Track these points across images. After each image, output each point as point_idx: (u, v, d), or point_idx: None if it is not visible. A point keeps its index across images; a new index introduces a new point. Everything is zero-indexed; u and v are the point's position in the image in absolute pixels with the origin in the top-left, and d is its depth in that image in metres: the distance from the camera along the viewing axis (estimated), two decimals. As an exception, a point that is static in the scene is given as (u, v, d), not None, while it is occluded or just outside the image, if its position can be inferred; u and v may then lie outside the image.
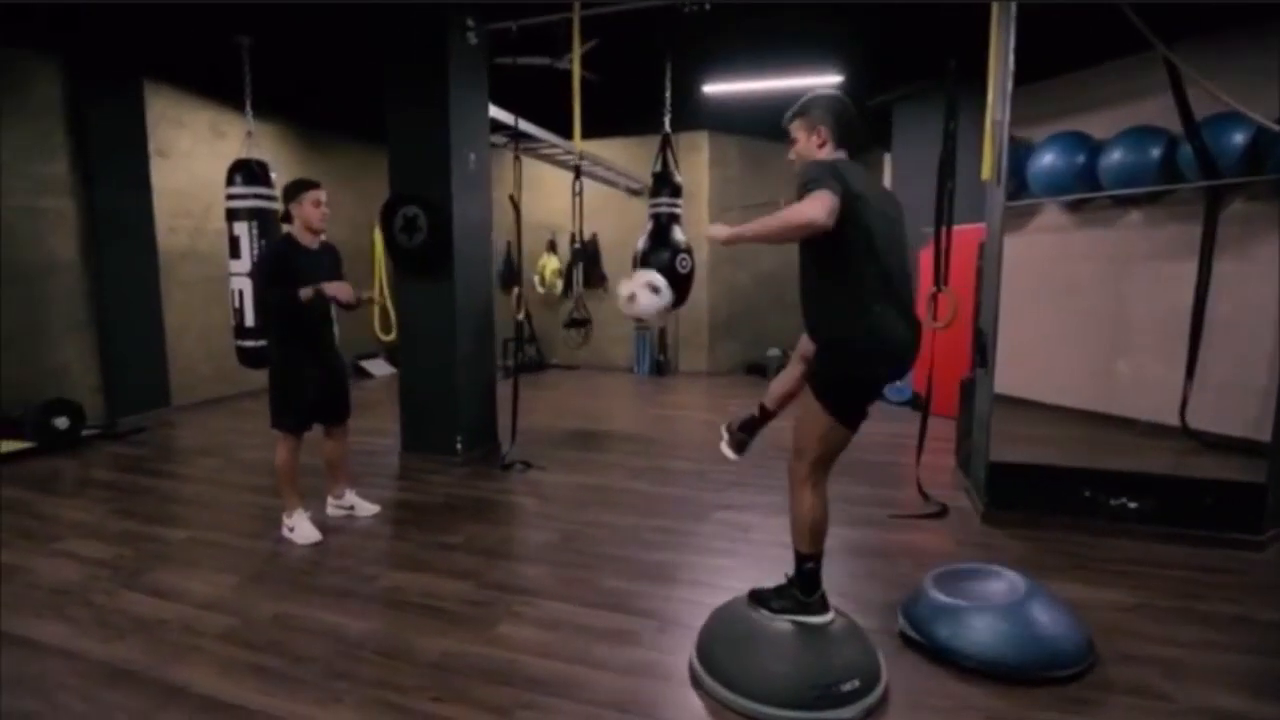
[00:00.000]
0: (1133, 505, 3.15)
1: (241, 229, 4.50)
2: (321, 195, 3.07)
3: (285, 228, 3.13)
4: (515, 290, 4.19)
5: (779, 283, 8.53)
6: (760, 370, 7.88)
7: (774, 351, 8.05)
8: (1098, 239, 4.99)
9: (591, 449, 4.83)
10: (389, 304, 4.26)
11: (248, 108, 4.65)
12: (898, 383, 6.29)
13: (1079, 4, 3.51)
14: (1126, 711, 1.91)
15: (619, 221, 8.09)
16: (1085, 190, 4.88)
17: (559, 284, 8.20)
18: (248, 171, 4.55)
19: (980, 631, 2.12)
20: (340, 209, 7.50)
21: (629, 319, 5.90)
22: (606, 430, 5.42)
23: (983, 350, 3.52)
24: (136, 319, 5.25)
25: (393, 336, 4.33)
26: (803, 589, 2.08)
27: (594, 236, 8.10)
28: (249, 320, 4.43)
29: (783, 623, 2.05)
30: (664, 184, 4.84)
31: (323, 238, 3.15)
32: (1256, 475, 3.04)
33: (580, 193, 4.40)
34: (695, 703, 1.96)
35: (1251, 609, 2.49)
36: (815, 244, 1.88)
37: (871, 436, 5.23)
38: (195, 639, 2.29)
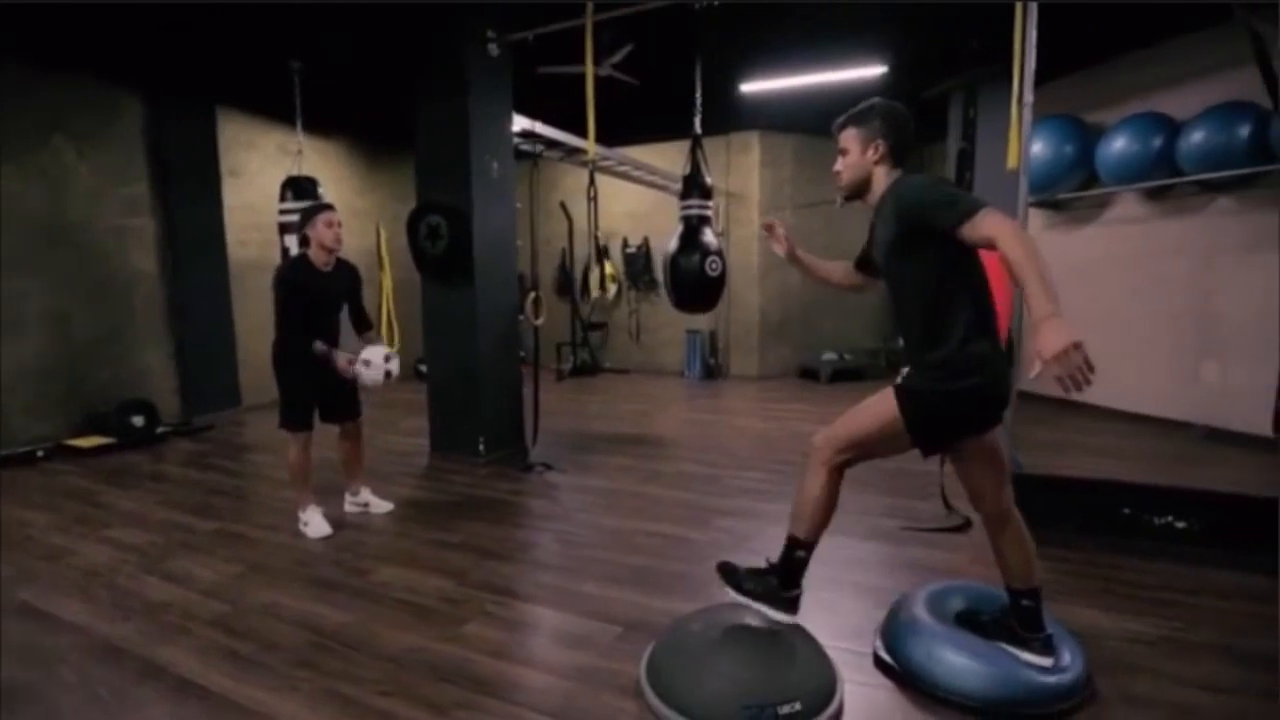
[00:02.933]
0: (1180, 525, 2.81)
1: (292, 241, 4.82)
2: (334, 216, 3.22)
3: (303, 250, 3.31)
4: (532, 295, 4.23)
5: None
6: (813, 374, 7.61)
7: (829, 355, 7.76)
8: (1182, 229, 4.52)
9: (617, 452, 4.81)
10: (393, 318, 4.43)
11: (298, 127, 4.98)
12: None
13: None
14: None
15: (667, 225, 8.03)
16: (1164, 176, 4.44)
17: (612, 289, 8.26)
18: (297, 187, 4.89)
19: (957, 659, 1.94)
20: (400, 221, 7.92)
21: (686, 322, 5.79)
22: (640, 434, 5.39)
23: (1010, 353, 3.24)
24: (210, 325, 5.72)
25: (395, 347, 4.49)
26: (783, 580, 1.98)
27: (645, 240, 8.10)
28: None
29: (732, 633, 1.97)
30: (694, 186, 4.77)
31: (338, 257, 3.29)
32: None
33: (595, 197, 4.42)
34: (629, 713, 1.91)
35: (1240, 638, 2.16)
36: (930, 264, 1.79)
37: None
38: (188, 622, 2.45)
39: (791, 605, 1.98)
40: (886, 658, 2.09)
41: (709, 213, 4.84)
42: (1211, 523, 2.76)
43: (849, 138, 1.96)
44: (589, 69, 4.04)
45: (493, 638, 2.33)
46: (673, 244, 4.84)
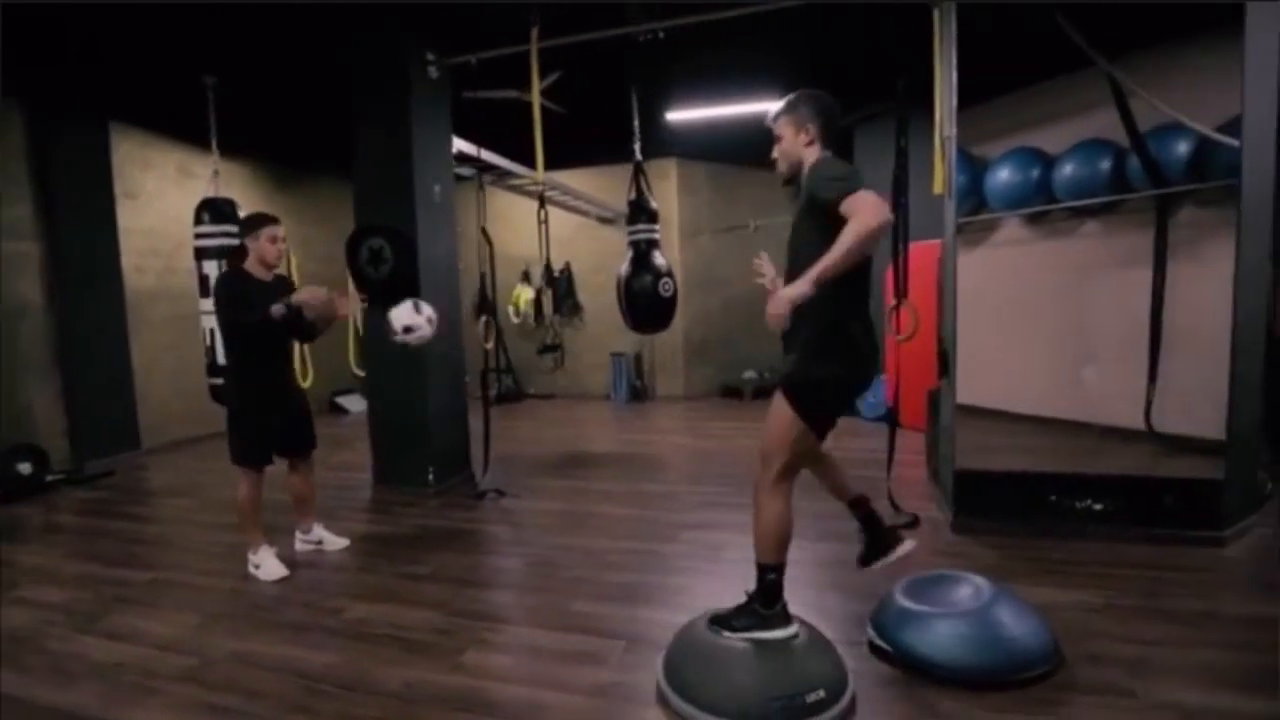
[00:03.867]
0: (1097, 507, 3.19)
1: (211, 267, 4.51)
2: (279, 231, 3.07)
3: (237, 263, 3.11)
4: (483, 319, 4.19)
5: (750, 307, 8.62)
6: (736, 393, 7.90)
7: (749, 374, 8.09)
8: (1058, 250, 5.11)
9: (565, 476, 4.80)
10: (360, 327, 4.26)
11: (213, 146, 4.68)
12: (870, 398, 6.35)
13: (1020, 21, 3.64)
14: (1091, 710, 1.91)
15: (592, 249, 8.17)
16: (1042, 203, 5.01)
17: (534, 313, 8.22)
18: (215, 210, 4.58)
19: (946, 637, 2.12)
20: (315, 246, 7.55)
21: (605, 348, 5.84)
22: (581, 457, 5.40)
23: (945, 361, 3.57)
24: (103, 360, 5.19)
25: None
26: (763, 602, 2.06)
27: (567, 265, 8.15)
28: (221, 358, 4.42)
29: (737, 641, 2.04)
30: (641, 211, 4.91)
31: (277, 272, 3.14)
32: (1217, 473, 3.09)
33: (545, 220, 4.44)
34: (661, 721, 1.94)
35: (1215, 604, 2.51)
36: (826, 235, 1.84)
37: (846, 452, 5.26)
38: (152, 681, 2.23)
39: (783, 619, 2.07)
40: (881, 643, 2.24)
41: (657, 236, 4.99)
42: (1121, 503, 3.15)
43: (781, 124, 2.09)
44: (535, 94, 4.10)
45: (497, 664, 2.28)
46: (624, 268, 4.94)
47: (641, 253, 4.98)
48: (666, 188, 7.86)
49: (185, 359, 5.75)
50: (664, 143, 7.31)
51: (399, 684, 2.16)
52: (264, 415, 3.05)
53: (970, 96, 5.43)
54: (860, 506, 2.36)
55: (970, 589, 2.28)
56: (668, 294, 4.99)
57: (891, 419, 3.93)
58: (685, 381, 8.10)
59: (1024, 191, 5.00)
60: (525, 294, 8.24)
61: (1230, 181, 3.45)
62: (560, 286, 8.16)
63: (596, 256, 8.11)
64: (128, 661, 2.35)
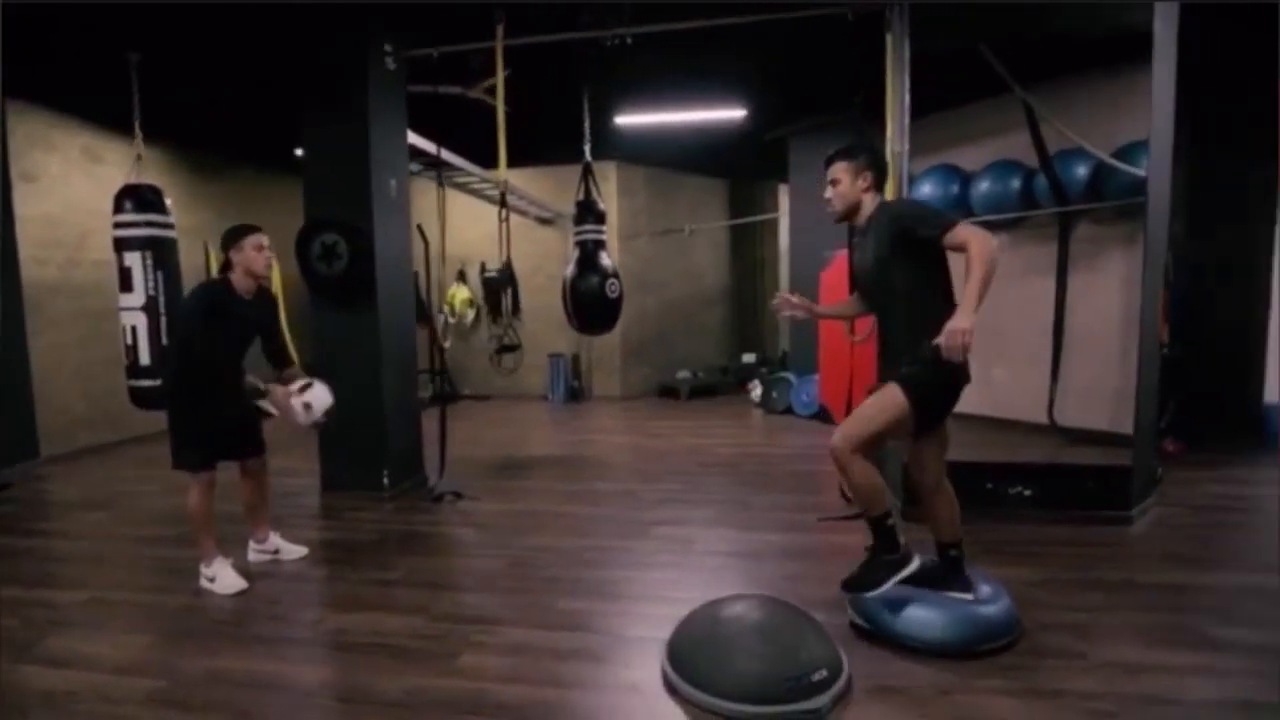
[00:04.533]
0: (1027, 493, 3.52)
1: (134, 260, 4.15)
2: (264, 239, 2.94)
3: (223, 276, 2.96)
4: (442, 317, 4.11)
5: (685, 308, 8.83)
6: (672, 392, 8.06)
7: (683, 374, 8.28)
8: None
9: (520, 477, 4.77)
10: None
11: (136, 129, 4.33)
12: (804, 396, 6.66)
13: (947, 49, 3.93)
14: (1054, 672, 2.13)
15: (530, 250, 8.08)
16: (960, 216, 5.41)
17: (470, 314, 8.07)
18: (140, 198, 4.23)
19: (925, 615, 2.30)
20: (192, 239, 7.07)
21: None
22: (531, 457, 5.37)
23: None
24: (-4, 361, 4.69)
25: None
26: (887, 548, 2.28)
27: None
28: (144, 358, 4.10)
29: (740, 621, 2.14)
30: (588, 212, 4.93)
31: (263, 283, 3.00)
32: (1123, 461, 3.48)
33: (507, 219, 4.42)
34: (674, 710, 2.00)
35: (1133, 573, 2.85)
36: (911, 270, 2.17)
37: (791, 448, 5.52)
38: (115, 708, 2.07)
39: (909, 557, 2.30)
40: (863, 623, 2.40)
41: (604, 237, 5.03)
42: (1046, 489, 3.50)
43: (840, 170, 2.31)
44: (499, 93, 4.07)
45: (495, 665, 2.27)
46: (570, 269, 4.95)
47: (588, 253, 4.99)
48: (606, 190, 7.86)
49: (95, 359, 5.28)
50: (605, 145, 7.35)
51: (399, 692, 2.11)
52: (206, 415, 2.87)
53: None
54: (945, 550, 2.49)
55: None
56: (614, 295, 5.04)
57: (848, 415, 4.14)
58: (622, 381, 8.18)
59: (944, 205, 5.39)
60: (461, 294, 8.07)
61: (1125, 201, 3.91)
62: (498, 287, 8.06)
63: (535, 258, 8.05)
64: (80, 690, 2.16)
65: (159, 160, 6.13)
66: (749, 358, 8.86)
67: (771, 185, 9.19)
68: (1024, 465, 3.60)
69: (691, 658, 2.10)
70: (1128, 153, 3.83)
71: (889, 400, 2.20)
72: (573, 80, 4.95)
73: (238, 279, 2.90)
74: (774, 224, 9.16)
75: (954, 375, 2.21)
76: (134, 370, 4.13)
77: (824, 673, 2.00)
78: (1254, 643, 2.27)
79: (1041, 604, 2.57)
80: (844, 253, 5.96)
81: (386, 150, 4.07)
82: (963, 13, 3.51)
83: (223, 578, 2.88)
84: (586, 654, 2.32)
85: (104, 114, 4.88)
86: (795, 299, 2.64)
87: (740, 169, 8.89)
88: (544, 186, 7.64)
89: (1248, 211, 5.21)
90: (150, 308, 4.16)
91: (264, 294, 3.01)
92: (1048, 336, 4.76)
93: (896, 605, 2.35)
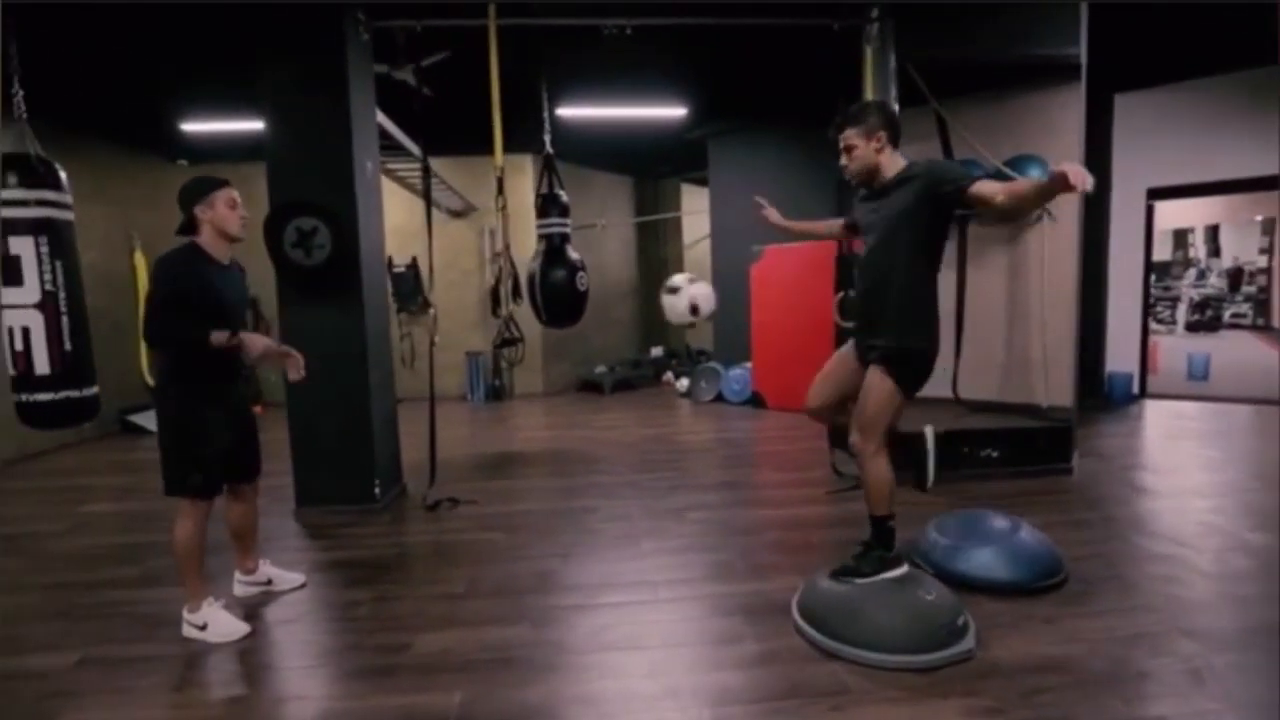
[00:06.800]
0: (994, 454, 4.05)
1: (23, 246, 3.32)
2: (236, 195, 2.50)
3: (188, 239, 2.48)
4: (432, 313, 3.85)
5: (598, 303, 8.81)
6: (595, 387, 8.06)
7: (601, 369, 8.31)
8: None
9: (501, 477, 4.58)
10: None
11: (15, 85, 3.52)
12: (735, 384, 7.00)
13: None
14: (1106, 596, 2.52)
15: (440, 244, 7.61)
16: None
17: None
18: (26, 169, 3.45)
19: (991, 558, 2.61)
20: (89, 229, 5.95)
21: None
22: (499, 456, 5.16)
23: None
24: None
25: None
26: (885, 546, 2.38)
27: (414, 260, 7.55)
28: (41, 365, 3.36)
29: (881, 585, 2.31)
30: (553, 204, 4.82)
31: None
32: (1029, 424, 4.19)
33: (504, 208, 4.25)
34: (840, 670, 2.09)
35: (1100, 511, 3.42)
36: (923, 234, 2.21)
37: (747, 432, 5.77)
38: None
39: (899, 560, 2.40)
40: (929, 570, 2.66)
41: (569, 230, 4.94)
42: (1008, 449, 4.05)
43: (851, 136, 2.29)
44: (493, 75, 3.87)
45: (638, 662, 2.22)
46: (536, 262, 4.80)
47: (555, 247, 4.89)
48: (524, 183, 7.70)
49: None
50: (523, 138, 7.14)
51: (580, 696, 2.01)
52: (214, 430, 2.46)
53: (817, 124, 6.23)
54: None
55: (996, 522, 2.81)
56: (584, 288, 4.99)
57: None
58: (544, 378, 8.02)
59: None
60: (366, 290, 7.42)
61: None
62: (406, 284, 7.54)
63: (446, 252, 7.62)
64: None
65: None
66: (658, 351, 9.08)
67: (675, 184, 9.49)
68: (990, 431, 4.13)
69: (846, 625, 2.19)
70: (1016, 163, 4.44)
71: (881, 390, 2.29)
72: (508, 69, 4.71)
73: (209, 241, 2.45)
74: (677, 222, 9.46)
75: (927, 350, 2.33)
76: (26, 382, 3.37)
77: (965, 616, 2.22)
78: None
79: (1059, 542, 3.00)
80: (773, 247, 6.39)
81: (363, 129, 3.71)
82: (911, 35, 3.87)
83: (216, 624, 2.44)
84: (729, 636, 2.34)
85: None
86: (768, 206, 2.88)
87: (647, 167, 9.07)
88: (461, 178, 7.26)
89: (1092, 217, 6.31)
90: (47, 304, 3.43)
91: (236, 264, 2.60)
92: (950, 320, 5.37)
93: (965, 554, 2.64)
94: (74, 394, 3.36)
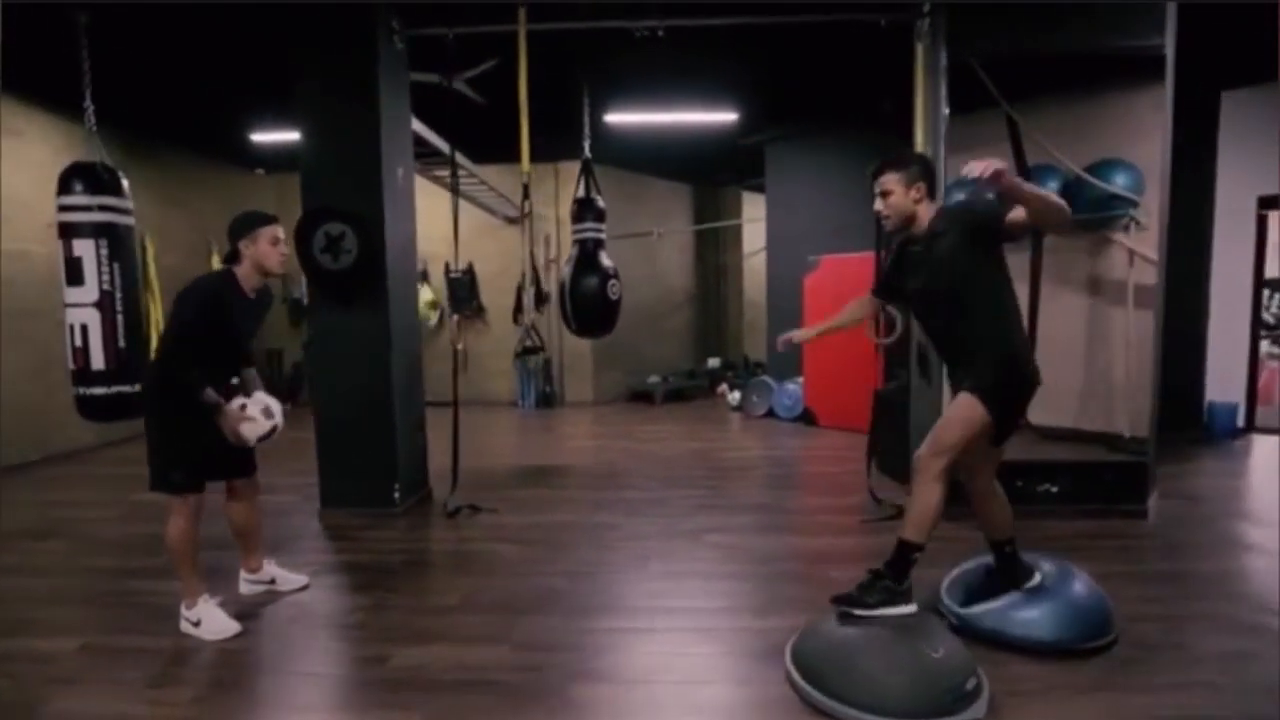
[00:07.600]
0: (1054, 490, 3.66)
1: (85, 249, 3.58)
2: (280, 231, 2.60)
3: (226, 267, 2.60)
4: (454, 318, 3.84)
5: (652, 312, 8.75)
6: (645, 397, 7.95)
7: (654, 379, 8.19)
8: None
9: (531, 486, 4.54)
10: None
11: (88, 99, 3.77)
12: (786, 399, 6.72)
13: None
14: (1166, 666, 2.18)
15: (495, 250, 7.79)
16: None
17: (433, 316, 7.64)
18: (92, 177, 3.68)
19: (1025, 608, 2.31)
20: (171, 234, 6.38)
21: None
22: (535, 466, 5.14)
23: (923, 364, 3.88)
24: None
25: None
26: (896, 578, 2.15)
27: (470, 266, 7.69)
28: (98, 362, 3.56)
29: (885, 635, 2.07)
30: (588, 209, 4.76)
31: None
32: (1103, 456, 3.74)
33: (530, 212, 4.21)
34: (831, 728, 1.90)
35: (1180, 564, 2.99)
36: (981, 256, 2.14)
37: (792, 450, 5.52)
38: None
39: (909, 596, 2.17)
40: (953, 621, 2.38)
41: (603, 235, 4.86)
42: (1070, 485, 3.65)
43: (891, 181, 2.25)
44: (522, 79, 3.85)
45: (612, 695, 2.08)
46: (568, 268, 4.74)
47: (588, 253, 4.80)
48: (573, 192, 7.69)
49: (13, 364, 4.57)
50: (574, 145, 7.15)
51: (528, 729, 1.90)
52: (199, 427, 2.47)
53: (879, 129, 5.89)
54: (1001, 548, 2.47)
55: (1044, 569, 2.49)
56: (616, 296, 4.87)
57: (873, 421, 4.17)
58: (594, 386, 7.99)
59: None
60: (423, 295, 7.61)
61: (1096, 215, 4.12)
62: (462, 288, 7.68)
63: (500, 258, 7.75)
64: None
65: (71, 135, 5.41)
66: (714, 362, 8.88)
67: (735, 191, 9.28)
68: (1049, 463, 3.73)
69: (850, 673, 1.98)
70: (1098, 169, 4.03)
71: (969, 411, 2.16)
72: (557, 75, 4.71)
73: (244, 274, 2.55)
74: (737, 230, 9.24)
75: (1027, 380, 2.22)
76: (84, 377, 3.58)
77: (975, 679, 1.96)
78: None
79: (1117, 598, 2.64)
80: (829, 257, 6.11)
81: (394, 135, 3.76)
82: (970, 28, 3.58)
83: (209, 621, 2.47)
84: (716, 676, 2.17)
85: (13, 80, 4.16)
86: (788, 337, 2.82)
87: (706, 174, 8.92)
88: (511, 184, 7.33)
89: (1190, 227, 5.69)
90: (105, 304, 3.64)
91: (265, 292, 2.67)
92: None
93: (1003, 606, 2.35)
94: (127, 389, 3.58)
